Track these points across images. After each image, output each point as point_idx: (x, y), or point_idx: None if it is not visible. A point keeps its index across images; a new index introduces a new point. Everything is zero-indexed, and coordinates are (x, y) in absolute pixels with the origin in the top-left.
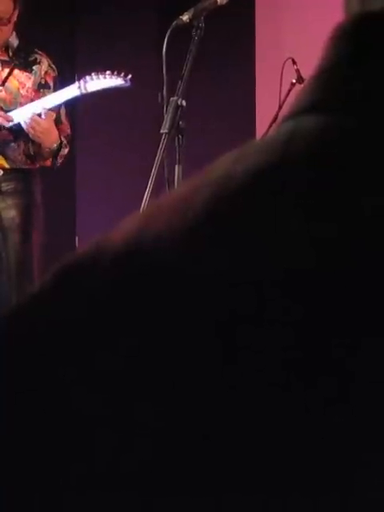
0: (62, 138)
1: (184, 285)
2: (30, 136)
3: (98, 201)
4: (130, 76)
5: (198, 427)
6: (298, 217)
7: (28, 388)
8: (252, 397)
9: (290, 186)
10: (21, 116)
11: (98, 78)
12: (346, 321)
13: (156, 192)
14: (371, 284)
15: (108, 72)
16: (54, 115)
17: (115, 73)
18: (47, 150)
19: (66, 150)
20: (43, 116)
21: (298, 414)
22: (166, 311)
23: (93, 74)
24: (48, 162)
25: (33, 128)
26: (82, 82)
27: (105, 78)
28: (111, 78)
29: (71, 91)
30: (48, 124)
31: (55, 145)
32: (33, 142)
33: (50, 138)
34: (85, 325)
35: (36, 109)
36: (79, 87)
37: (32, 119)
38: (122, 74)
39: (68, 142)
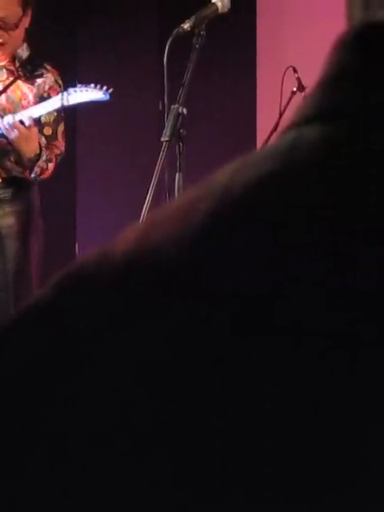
0: (44, 150)
1: (184, 295)
2: (10, 141)
3: (99, 208)
4: (111, 90)
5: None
6: (299, 227)
7: (25, 401)
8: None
9: (293, 196)
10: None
11: (81, 90)
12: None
13: (156, 200)
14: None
15: (91, 85)
16: (37, 128)
17: (98, 86)
18: (26, 159)
19: (50, 165)
20: (26, 124)
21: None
22: (165, 319)
23: (77, 85)
24: (27, 175)
25: (12, 133)
26: (65, 93)
27: (87, 90)
28: (93, 90)
29: (54, 102)
30: (28, 131)
31: (34, 154)
32: (15, 150)
33: (30, 146)
34: (86, 335)
35: (21, 117)
36: (62, 99)
37: (12, 125)
38: (104, 88)
39: (57, 161)
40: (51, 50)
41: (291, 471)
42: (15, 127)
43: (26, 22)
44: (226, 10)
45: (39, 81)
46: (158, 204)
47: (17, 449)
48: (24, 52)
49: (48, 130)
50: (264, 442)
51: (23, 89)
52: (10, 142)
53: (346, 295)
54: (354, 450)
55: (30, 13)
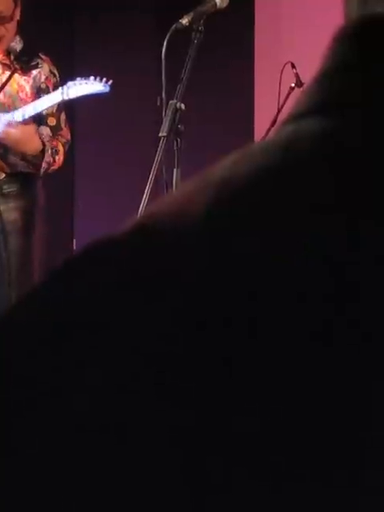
0: (47, 143)
1: (182, 280)
2: (10, 145)
3: (97, 204)
4: (110, 81)
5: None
6: (300, 219)
7: (23, 389)
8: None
9: (292, 188)
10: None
11: (80, 83)
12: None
13: (154, 195)
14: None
15: (91, 77)
16: (33, 124)
17: (97, 78)
18: (30, 157)
19: (57, 156)
20: (21, 122)
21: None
22: (165, 299)
23: (77, 79)
24: (34, 171)
25: (4, 139)
26: (65, 87)
27: (86, 83)
28: (93, 83)
29: (55, 97)
30: (22, 134)
31: (38, 152)
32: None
33: (31, 145)
34: (85, 306)
35: (14, 116)
36: (62, 93)
37: (2, 132)
38: (104, 80)
39: (66, 150)
40: (48, 45)
41: (299, 454)
42: (3, 132)
43: (17, 14)
44: (224, 5)
45: (35, 72)
46: (155, 199)
47: (13, 442)
48: (17, 44)
49: (52, 121)
50: (269, 427)
51: (20, 81)
52: None
53: (345, 287)
54: (359, 428)
55: (20, 5)
